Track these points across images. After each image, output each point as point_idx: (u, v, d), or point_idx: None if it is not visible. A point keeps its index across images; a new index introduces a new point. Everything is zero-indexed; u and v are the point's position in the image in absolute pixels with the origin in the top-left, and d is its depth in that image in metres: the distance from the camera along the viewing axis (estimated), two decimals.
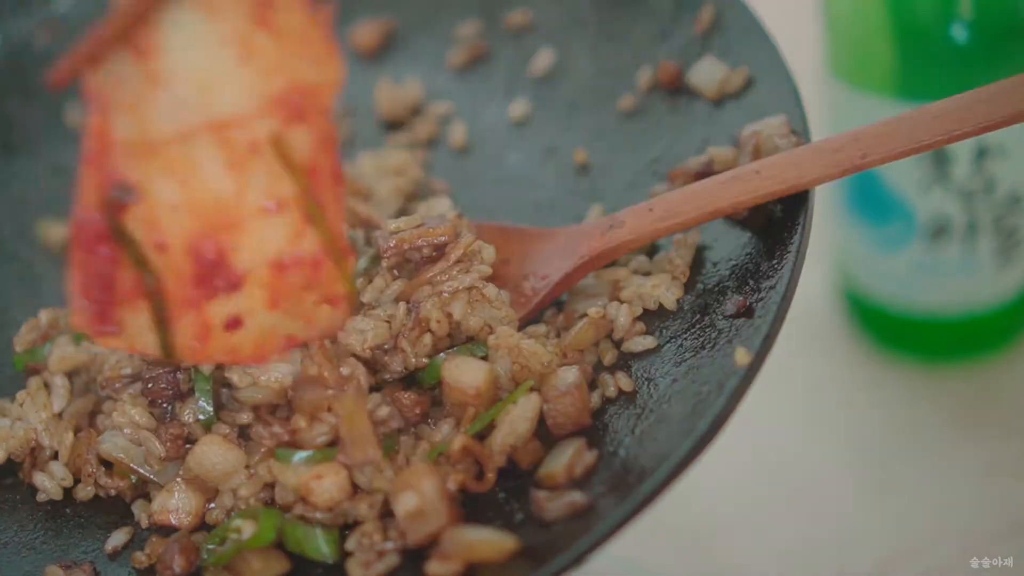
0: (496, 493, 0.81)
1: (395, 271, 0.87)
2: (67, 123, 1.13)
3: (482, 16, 1.10)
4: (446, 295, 0.85)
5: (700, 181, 0.86)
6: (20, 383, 0.93)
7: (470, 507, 0.80)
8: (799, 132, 0.87)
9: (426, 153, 1.06)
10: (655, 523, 0.77)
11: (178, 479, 0.84)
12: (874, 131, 0.83)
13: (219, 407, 0.85)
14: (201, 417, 0.85)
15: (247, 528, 0.79)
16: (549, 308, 0.90)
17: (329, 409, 0.81)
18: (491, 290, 0.86)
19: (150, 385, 0.85)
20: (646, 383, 0.83)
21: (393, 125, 1.09)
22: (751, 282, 0.82)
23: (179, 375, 0.85)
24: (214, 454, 0.83)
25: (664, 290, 0.86)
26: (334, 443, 0.81)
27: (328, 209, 0.77)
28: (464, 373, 0.83)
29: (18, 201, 1.09)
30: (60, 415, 0.89)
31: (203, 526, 0.84)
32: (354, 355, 0.84)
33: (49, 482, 0.88)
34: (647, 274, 0.88)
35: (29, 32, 1.16)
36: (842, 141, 0.83)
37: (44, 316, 0.94)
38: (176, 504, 0.84)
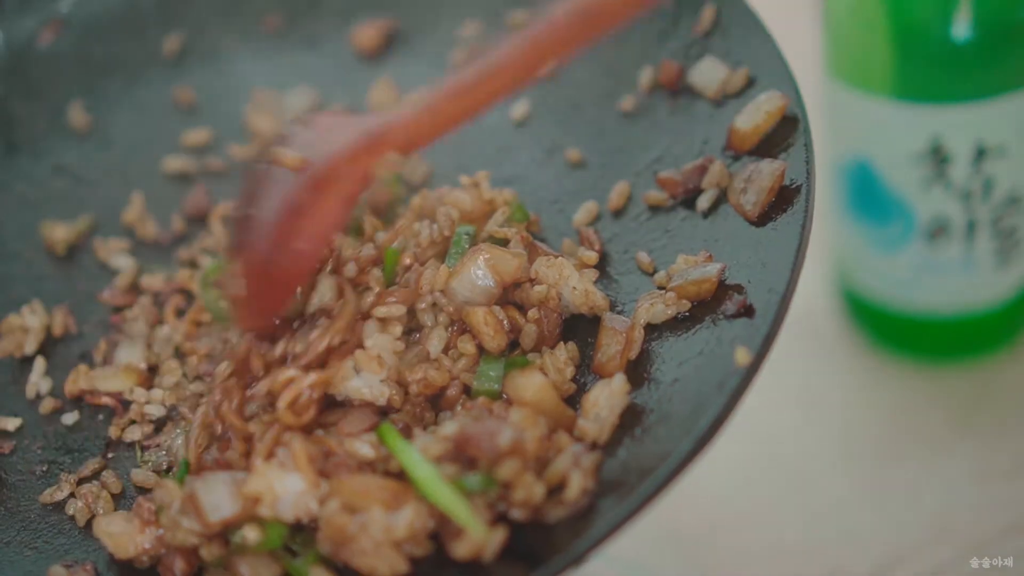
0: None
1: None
2: (70, 123, 1.13)
3: (483, 16, 1.11)
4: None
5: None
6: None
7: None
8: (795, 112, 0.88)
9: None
10: (654, 523, 0.77)
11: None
12: None
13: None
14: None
15: (251, 534, 0.79)
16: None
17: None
18: None
19: None
20: (646, 383, 0.83)
21: None
22: (751, 282, 0.82)
23: None
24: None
25: (665, 291, 0.86)
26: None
27: None
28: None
29: (21, 200, 1.09)
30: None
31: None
32: None
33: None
34: (647, 274, 0.89)
35: (32, 31, 1.16)
36: None
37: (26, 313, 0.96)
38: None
